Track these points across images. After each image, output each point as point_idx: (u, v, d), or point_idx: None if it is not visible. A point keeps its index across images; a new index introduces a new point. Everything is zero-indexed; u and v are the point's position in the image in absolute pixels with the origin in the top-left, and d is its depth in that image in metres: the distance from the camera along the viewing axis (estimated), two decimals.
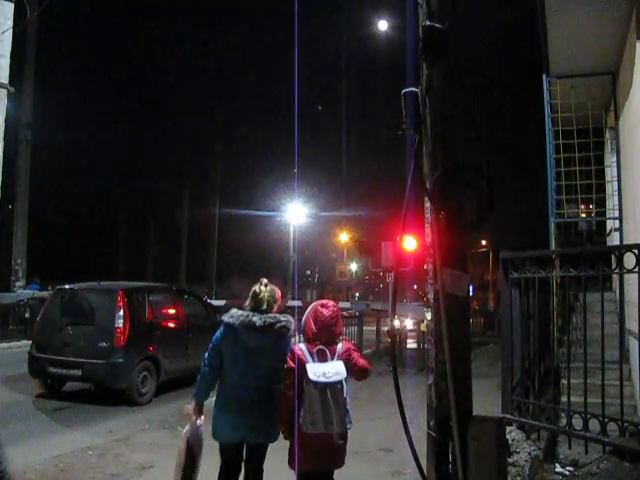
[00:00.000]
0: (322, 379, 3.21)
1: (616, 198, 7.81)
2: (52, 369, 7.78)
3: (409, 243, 12.28)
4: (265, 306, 3.52)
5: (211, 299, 17.43)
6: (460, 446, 2.96)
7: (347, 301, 19.48)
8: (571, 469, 4.12)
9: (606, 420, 3.75)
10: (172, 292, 9.66)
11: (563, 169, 7.66)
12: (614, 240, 8.03)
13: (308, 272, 36.33)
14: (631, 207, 6.75)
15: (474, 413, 3.10)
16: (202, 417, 3.54)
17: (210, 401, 3.65)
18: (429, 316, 3.29)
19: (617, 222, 7.86)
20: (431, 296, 3.21)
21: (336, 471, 3.76)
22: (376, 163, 38.08)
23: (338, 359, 3.34)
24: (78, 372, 7.64)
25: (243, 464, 3.58)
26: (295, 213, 27.90)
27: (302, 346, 3.38)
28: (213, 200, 29.97)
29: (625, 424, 3.72)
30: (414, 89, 3.18)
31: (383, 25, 22.90)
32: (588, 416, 3.82)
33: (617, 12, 6.16)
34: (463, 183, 3.13)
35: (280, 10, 22.72)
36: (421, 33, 3.15)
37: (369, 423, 6.62)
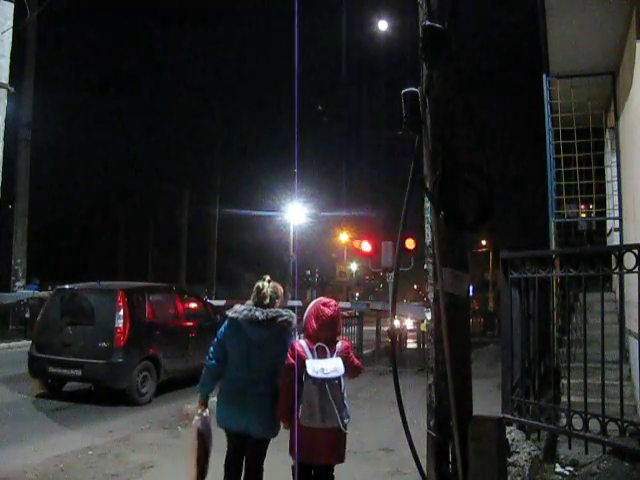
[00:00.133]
0: (320, 375, 3.30)
1: (616, 198, 7.80)
2: (52, 369, 7.78)
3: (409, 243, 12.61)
4: (268, 301, 3.64)
5: (211, 299, 17.41)
6: (460, 446, 2.96)
7: (347, 301, 19.47)
8: (571, 469, 4.12)
9: (606, 420, 3.75)
10: (172, 292, 9.66)
11: (563, 169, 7.66)
12: (614, 240, 8.03)
13: (308, 272, 36.36)
14: (631, 207, 6.75)
15: (474, 413, 3.10)
16: (207, 410, 3.67)
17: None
18: (429, 316, 3.29)
19: (617, 222, 7.86)
20: (431, 296, 3.21)
21: (337, 471, 3.78)
22: (376, 163, 38.10)
23: (337, 356, 3.43)
24: (78, 372, 7.65)
25: (244, 458, 3.65)
26: (295, 213, 27.90)
27: (302, 343, 3.46)
28: (213, 200, 29.96)
29: (625, 424, 3.72)
30: (414, 89, 3.18)
31: (383, 25, 22.87)
32: (588, 416, 3.82)
33: (617, 12, 6.16)
34: (463, 183, 3.13)
35: (280, 10, 22.72)
36: (421, 33, 3.15)
37: (369, 423, 6.62)
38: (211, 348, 3.67)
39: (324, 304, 3.56)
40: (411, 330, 16.07)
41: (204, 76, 27.45)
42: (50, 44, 20.94)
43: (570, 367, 4.28)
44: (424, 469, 3.16)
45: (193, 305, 9.91)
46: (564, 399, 4.50)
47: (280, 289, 3.77)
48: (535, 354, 4.97)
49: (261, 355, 3.54)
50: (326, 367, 3.34)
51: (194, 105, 27.21)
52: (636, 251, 3.58)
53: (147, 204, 30.59)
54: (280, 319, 3.58)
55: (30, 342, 8.87)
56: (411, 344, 15.17)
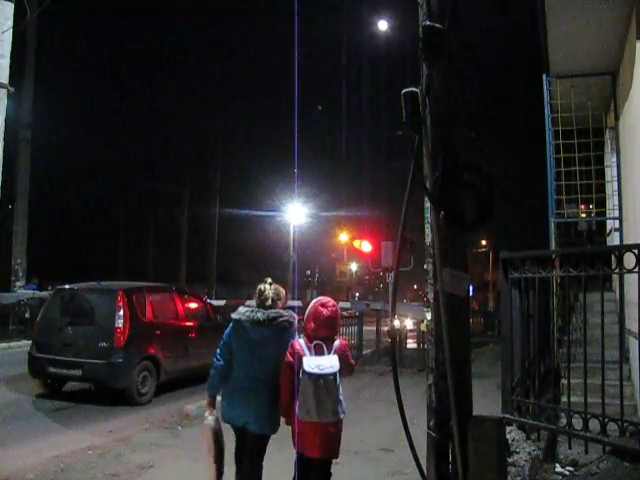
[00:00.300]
0: (316, 371, 3.44)
1: (616, 198, 7.81)
2: (52, 369, 7.79)
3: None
4: (269, 302, 3.79)
5: (211, 299, 17.42)
6: (460, 446, 2.96)
7: (347, 301, 19.46)
8: (571, 469, 4.12)
9: (606, 420, 3.75)
10: (172, 292, 9.66)
11: (563, 169, 7.66)
12: (614, 240, 8.03)
13: (308, 272, 36.34)
14: (631, 207, 6.75)
15: (474, 413, 3.10)
16: (215, 411, 3.81)
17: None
18: (429, 316, 3.29)
19: (617, 222, 7.86)
20: (431, 296, 3.21)
21: (337, 471, 3.81)
22: (376, 163, 38.09)
23: (334, 354, 3.57)
24: (78, 372, 7.65)
25: (244, 455, 3.79)
26: (295, 213, 27.91)
27: (301, 341, 3.62)
28: (213, 200, 29.96)
29: (625, 424, 3.72)
30: (414, 89, 3.18)
31: (383, 25, 22.87)
32: (588, 416, 3.82)
33: (617, 12, 6.16)
34: (463, 183, 3.13)
35: (280, 10, 22.73)
36: (421, 33, 3.15)
37: (369, 423, 6.62)
38: (218, 350, 3.82)
39: (322, 304, 3.69)
40: (411, 330, 16.05)
41: (204, 76, 27.45)
42: (50, 44, 20.93)
43: (570, 367, 4.28)
44: (424, 469, 3.16)
45: (193, 305, 9.91)
46: (564, 399, 4.49)
47: (281, 291, 3.91)
48: (535, 354, 4.97)
49: (264, 354, 3.69)
50: (322, 364, 3.47)
51: (194, 105, 27.21)
52: (636, 251, 3.58)
53: (147, 204, 30.59)
54: (281, 319, 3.73)
55: (30, 342, 8.87)
56: (411, 344, 15.15)
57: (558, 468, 4.18)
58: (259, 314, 3.72)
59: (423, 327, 11.95)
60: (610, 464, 3.83)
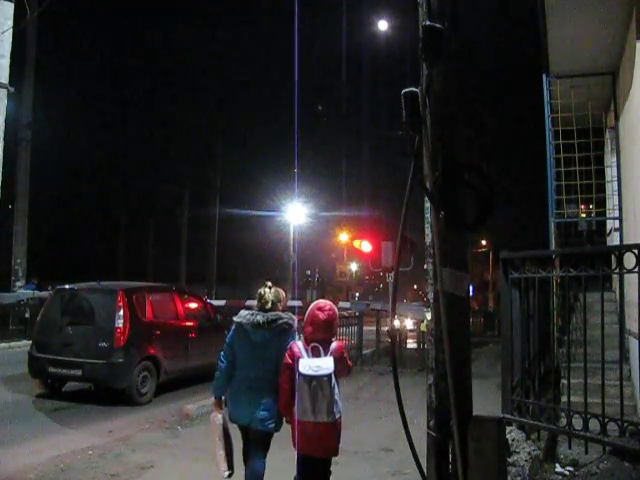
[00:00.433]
0: (310, 372, 3.54)
1: (616, 198, 7.80)
2: (52, 369, 7.79)
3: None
4: (269, 305, 3.93)
5: (211, 299, 17.42)
6: (460, 446, 2.96)
7: (347, 301, 19.45)
8: (571, 469, 4.12)
9: (606, 420, 3.75)
10: (172, 292, 9.67)
11: (563, 169, 7.66)
12: (614, 240, 8.03)
13: (308, 272, 36.35)
14: (631, 207, 6.75)
15: (474, 413, 3.10)
16: (222, 411, 3.95)
17: None
18: (429, 316, 3.29)
19: (617, 222, 7.86)
20: (431, 296, 3.21)
21: (337, 471, 3.82)
22: (376, 163, 38.09)
23: (330, 356, 3.66)
24: (78, 372, 7.65)
25: (250, 451, 3.92)
26: (295, 213, 27.89)
27: (299, 344, 3.74)
28: (213, 200, 29.97)
29: (625, 424, 3.72)
30: (414, 89, 3.18)
31: (383, 25, 22.88)
32: (588, 416, 3.82)
33: (617, 12, 6.15)
34: (463, 183, 3.13)
35: (280, 10, 22.72)
36: (421, 33, 3.14)
37: (369, 423, 6.63)
38: (222, 352, 3.97)
39: (319, 308, 3.80)
40: (411, 330, 16.04)
41: (204, 76, 27.45)
42: (50, 44, 20.92)
43: (570, 367, 4.28)
44: (424, 469, 3.15)
45: (193, 305, 9.91)
46: (564, 399, 4.50)
47: (281, 293, 4.05)
48: (535, 354, 4.97)
49: (264, 355, 3.82)
50: (317, 365, 3.57)
51: (194, 105, 27.21)
52: (636, 251, 3.58)
53: (147, 204, 30.59)
54: (280, 321, 3.86)
55: (30, 342, 8.87)
56: (411, 344, 15.15)
57: (558, 468, 4.18)
58: (259, 317, 3.86)
59: (423, 327, 11.93)
60: (610, 464, 3.83)
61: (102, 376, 7.65)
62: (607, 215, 8.46)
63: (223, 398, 3.99)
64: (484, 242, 40.88)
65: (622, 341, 4.13)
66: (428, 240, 3.23)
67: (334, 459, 3.83)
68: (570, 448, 4.20)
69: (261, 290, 3.99)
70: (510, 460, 3.99)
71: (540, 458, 4.20)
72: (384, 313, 13.22)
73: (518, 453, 4.13)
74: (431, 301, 3.21)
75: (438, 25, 3.08)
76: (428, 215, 3.21)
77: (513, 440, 4.24)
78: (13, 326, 15.43)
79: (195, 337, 9.07)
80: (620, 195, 7.70)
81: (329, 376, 3.55)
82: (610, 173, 8.38)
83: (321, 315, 3.75)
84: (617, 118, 7.78)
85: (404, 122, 3.19)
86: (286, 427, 3.81)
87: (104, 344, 7.65)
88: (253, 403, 3.78)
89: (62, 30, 22.23)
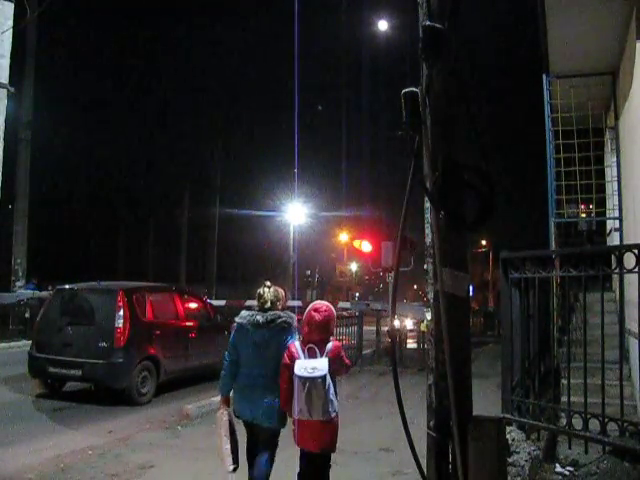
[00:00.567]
0: (305, 373, 3.64)
1: (616, 198, 7.80)
2: (52, 369, 7.78)
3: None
4: (269, 305, 4.03)
5: (211, 299, 17.42)
6: (460, 446, 2.96)
7: (347, 301, 19.46)
8: (571, 469, 4.12)
9: (606, 420, 3.76)
10: (172, 292, 9.66)
11: (563, 169, 7.66)
12: (614, 240, 8.03)
13: (308, 272, 36.35)
14: (631, 207, 6.75)
15: (474, 413, 3.10)
16: (229, 408, 4.07)
17: None
18: (429, 316, 3.29)
19: (617, 222, 7.85)
20: (431, 296, 3.20)
21: (337, 471, 3.86)
22: (376, 163, 38.11)
23: (326, 356, 3.75)
24: (78, 372, 7.64)
25: (257, 449, 4.02)
26: (295, 213, 27.89)
27: (297, 344, 3.85)
28: (213, 200, 29.96)
29: (625, 424, 3.72)
30: (414, 89, 3.18)
31: (383, 25, 22.87)
32: (588, 416, 3.82)
33: (617, 12, 6.15)
34: (463, 183, 3.13)
35: (280, 10, 22.72)
36: (421, 33, 3.14)
37: (369, 423, 6.63)
38: (226, 351, 4.09)
39: (315, 309, 3.89)
40: (411, 330, 16.04)
41: (204, 76, 27.44)
42: (50, 44, 20.92)
43: (570, 367, 4.28)
44: (424, 469, 3.15)
45: (193, 305, 9.90)
46: (564, 399, 4.49)
47: (280, 292, 4.14)
48: (535, 354, 4.97)
49: (266, 354, 3.92)
50: (312, 366, 3.67)
51: (194, 105, 27.20)
52: (636, 251, 3.58)
53: (147, 204, 30.59)
54: (279, 320, 3.95)
55: (30, 342, 8.87)
56: (411, 344, 15.15)
57: (558, 468, 4.18)
58: (259, 317, 3.97)
59: (423, 327, 11.93)
60: (610, 464, 3.84)
61: (102, 376, 7.65)
62: (607, 215, 8.45)
63: (231, 394, 4.11)
64: (484, 242, 40.90)
65: (622, 341, 4.14)
66: (428, 240, 3.22)
67: (334, 459, 3.86)
68: (570, 448, 4.20)
69: (260, 290, 4.08)
70: (510, 460, 4.00)
71: (540, 458, 4.21)
72: (384, 313, 13.22)
73: (518, 453, 4.13)
74: (431, 301, 3.20)
75: (438, 25, 3.08)
76: (428, 215, 3.20)
77: (513, 440, 4.24)
78: (13, 326, 15.41)
79: (195, 337, 9.07)
80: (620, 195, 7.70)
81: (323, 377, 3.64)
82: (610, 173, 8.38)
83: (317, 316, 3.84)
84: (617, 118, 7.78)
85: (404, 122, 3.19)
86: (290, 425, 3.87)
87: (104, 344, 7.65)
88: (256, 400, 3.89)
89: (62, 30, 22.23)
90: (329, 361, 3.71)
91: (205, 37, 26.19)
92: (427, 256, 3.25)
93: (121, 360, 7.63)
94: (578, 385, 4.06)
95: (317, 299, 4.49)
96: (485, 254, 40.68)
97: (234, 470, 4.00)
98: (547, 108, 7.88)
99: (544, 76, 7.86)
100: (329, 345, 3.81)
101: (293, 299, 15.75)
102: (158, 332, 8.38)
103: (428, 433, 3.16)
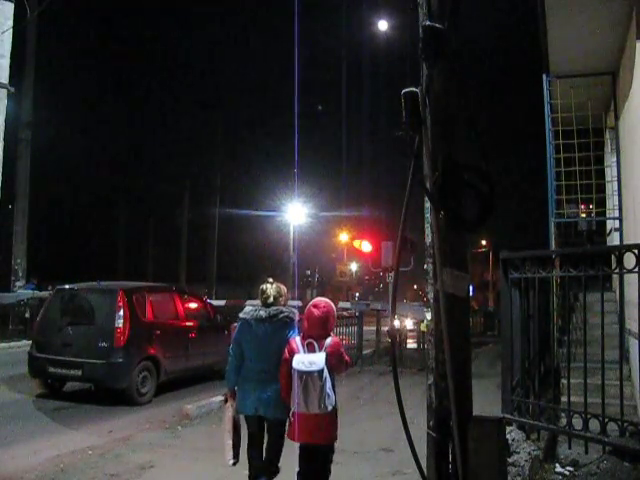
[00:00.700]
0: (302, 368, 3.71)
1: (616, 198, 7.80)
2: (52, 369, 7.78)
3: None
4: (271, 300, 4.15)
5: (211, 299, 17.41)
6: (460, 446, 2.96)
7: (347, 301, 19.45)
8: (571, 469, 4.12)
9: (606, 420, 3.75)
10: (172, 292, 9.66)
11: (563, 169, 7.66)
12: (614, 240, 8.03)
13: (308, 272, 36.34)
14: (631, 207, 6.75)
15: (474, 413, 3.10)
16: (234, 402, 4.18)
17: None
18: (429, 316, 3.29)
19: (617, 222, 7.85)
20: (431, 296, 3.21)
21: (337, 470, 3.86)
22: (376, 163, 38.11)
23: (324, 351, 3.81)
24: (78, 372, 7.64)
25: (265, 437, 4.16)
26: (295, 213, 27.90)
27: (297, 339, 3.94)
28: (213, 200, 29.96)
29: (625, 424, 3.72)
30: (414, 89, 3.18)
31: (383, 25, 22.86)
32: (588, 416, 3.82)
33: (617, 12, 6.15)
34: (463, 183, 3.13)
35: (281, 10, 22.72)
36: (421, 33, 3.14)
37: (369, 423, 6.62)
38: (230, 347, 4.21)
39: (314, 305, 3.99)
40: (411, 330, 16.03)
41: (204, 76, 27.46)
42: (50, 44, 20.91)
43: (570, 367, 4.28)
44: (424, 469, 3.15)
45: (193, 305, 9.90)
46: (564, 399, 4.49)
47: (283, 288, 4.27)
48: (535, 354, 4.97)
49: (268, 347, 4.03)
50: (310, 361, 3.74)
51: (194, 105, 27.20)
52: (636, 251, 3.58)
53: (147, 204, 30.58)
54: (281, 315, 4.07)
55: (30, 342, 8.87)
56: (411, 344, 15.14)
57: (558, 468, 4.18)
58: (262, 312, 4.08)
59: (423, 327, 11.93)
60: (610, 464, 3.83)
61: (102, 376, 7.64)
62: (607, 215, 8.46)
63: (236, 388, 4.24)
64: (484, 242, 40.89)
65: (622, 341, 4.14)
66: (428, 240, 3.23)
67: (335, 459, 3.89)
68: (570, 448, 4.20)
69: (263, 286, 4.20)
70: (510, 460, 4.00)
71: (540, 458, 4.20)
72: (384, 313, 13.22)
73: (518, 453, 4.13)
74: (431, 301, 3.21)
75: (438, 25, 3.08)
76: (428, 215, 3.21)
77: (513, 440, 4.24)
78: (13, 326, 15.40)
79: (195, 337, 9.07)
80: (620, 195, 7.70)
81: (320, 371, 3.70)
82: (610, 173, 8.38)
83: (316, 312, 3.92)
84: (617, 118, 7.78)
85: (404, 122, 3.19)
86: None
87: (104, 344, 7.65)
88: (260, 393, 4.00)
89: (62, 30, 22.23)
90: (327, 356, 3.77)
91: (206, 37, 26.22)
92: (427, 256, 3.25)
93: (121, 360, 7.63)
94: (578, 385, 4.06)
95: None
96: (485, 254, 40.67)
97: (234, 464, 4.14)
98: (547, 108, 7.88)
99: (544, 76, 7.86)
100: (328, 340, 3.88)
101: (293, 299, 15.72)
102: (158, 332, 8.37)
103: (428, 433, 3.16)
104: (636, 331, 4.80)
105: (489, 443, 2.95)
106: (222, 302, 15.62)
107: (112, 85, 26.91)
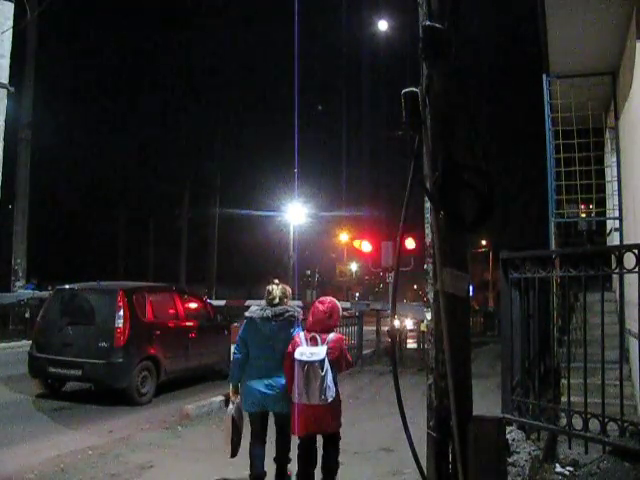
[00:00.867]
0: (304, 358, 3.88)
1: (616, 198, 7.81)
2: (52, 369, 7.78)
3: (409, 243, 12.56)
4: (277, 301, 4.37)
5: (211, 299, 17.41)
6: (460, 446, 2.96)
7: (347, 301, 19.46)
8: (571, 469, 4.12)
9: (606, 420, 3.75)
10: (172, 292, 9.66)
11: (563, 169, 7.66)
12: (614, 240, 8.03)
13: (308, 272, 36.37)
14: (631, 207, 6.75)
15: (474, 413, 3.10)
16: (239, 397, 4.39)
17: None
18: (429, 316, 3.29)
19: (617, 222, 7.86)
20: (431, 296, 3.21)
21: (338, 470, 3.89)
22: (376, 163, 38.12)
23: (326, 345, 3.97)
24: (78, 372, 7.64)
25: (275, 431, 4.36)
26: (295, 213, 27.91)
27: (301, 334, 4.13)
28: (213, 200, 29.97)
29: (625, 424, 3.71)
30: (414, 89, 3.18)
31: (383, 25, 22.86)
32: (588, 416, 3.82)
33: (617, 12, 6.15)
34: (463, 183, 3.13)
35: (281, 10, 22.72)
36: (421, 33, 3.14)
37: (369, 423, 6.62)
38: (235, 345, 4.44)
39: (320, 302, 4.23)
40: (411, 330, 16.03)
41: (204, 76, 27.45)
42: (50, 44, 20.92)
43: (570, 367, 4.28)
44: (424, 469, 3.15)
45: (193, 305, 9.90)
46: (564, 399, 4.49)
47: (288, 289, 4.51)
48: (535, 354, 4.96)
49: (274, 345, 4.24)
50: (310, 352, 3.90)
51: (194, 105, 27.20)
52: (636, 251, 3.58)
53: (147, 204, 30.58)
54: (286, 314, 4.30)
55: (30, 342, 8.87)
56: (411, 344, 15.14)
57: (558, 468, 4.18)
58: (268, 311, 4.31)
59: (423, 327, 11.93)
60: (610, 464, 3.83)
61: (102, 376, 7.64)
62: (607, 215, 8.46)
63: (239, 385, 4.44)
64: (484, 242, 40.89)
65: (622, 341, 4.13)
66: (428, 240, 3.23)
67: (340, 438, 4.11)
68: (570, 448, 4.20)
69: (269, 287, 4.43)
70: (510, 460, 3.99)
71: (540, 458, 4.20)
72: (384, 313, 13.22)
73: (518, 453, 4.13)
74: (431, 301, 3.21)
75: (438, 25, 3.08)
76: (428, 215, 3.21)
77: (513, 440, 4.24)
78: (13, 326, 15.41)
79: (195, 337, 9.07)
80: (620, 195, 7.70)
81: (321, 362, 3.85)
82: (610, 173, 8.38)
83: (321, 307, 4.13)
84: (617, 118, 7.78)
85: (404, 122, 3.19)
86: None
87: (104, 344, 7.65)
88: (265, 388, 4.20)
89: (62, 30, 22.23)
90: (328, 348, 3.92)
91: (205, 37, 26.18)
92: (427, 256, 3.25)
93: (121, 360, 7.63)
94: (578, 385, 4.06)
95: (317, 299, 4.68)
96: (485, 254, 40.66)
97: (231, 457, 4.41)
98: (547, 108, 7.88)
99: (544, 76, 7.86)
100: (331, 335, 4.06)
101: (293, 299, 15.72)
102: (158, 332, 8.37)
103: (428, 433, 3.16)
104: (636, 331, 4.80)
105: (489, 443, 2.95)
106: (222, 302, 15.63)
107: (112, 85, 26.90)
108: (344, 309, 13.84)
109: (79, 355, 7.64)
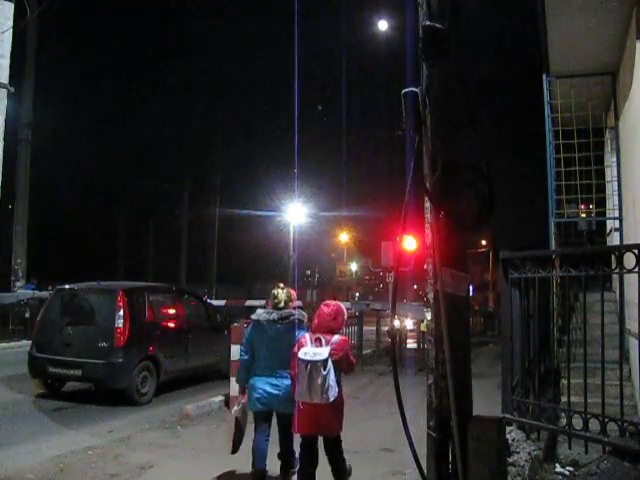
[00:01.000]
0: (307, 357, 3.94)
1: (616, 198, 7.80)
2: (52, 369, 7.77)
3: (409, 243, 12.29)
4: (282, 304, 4.56)
5: (211, 299, 17.40)
6: (460, 446, 2.96)
7: (347, 301, 19.45)
8: (571, 469, 4.12)
9: (606, 420, 3.75)
10: (172, 292, 9.66)
11: (563, 169, 7.66)
12: (614, 240, 8.03)
13: (308, 272, 36.37)
14: (631, 207, 6.75)
15: (474, 413, 3.10)
16: (245, 397, 4.52)
17: None
18: (429, 316, 3.29)
19: (617, 222, 7.85)
20: (431, 296, 3.20)
21: None
22: (376, 163, 38.11)
23: (329, 345, 4.03)
24: (78, 372, 7.64)
25: (278, 430, 4.48)
26: (295, 213, 27.92)
27: (307, 336, 4.19)
28: (213, 200, 29.97)
29: (625, 424, 3.71)
30: (414, 89, 3.18)
31: (383, 25, 22.85)
32: (588, 416, 3.82)
33: (617, 12, 6.15)
34: (463, 183, 3.13)
35: (281, 10, 22.72)
36: (421, 33, 3.14)
37: (369, 423, 6.63)
38: (242, 346, 4.64)
39: (325, 305, 4.31)
40: (411, 330, 16.02)
41: (204, 76, 27.46)
42: (50, 44, 20.92)
43: (570, 367, 4.28)
44: (424, 469, 3.15)
45: (193, 305, 9.90)
46: (564, 399, 4.49)
47: (293, 293, 4.70)
48: (535, 354, 4.97)
49: (279, 347, 4.38)
50: (314, 352, 3.96)
51: (194, 105, 27.21)
52: (636, 251, 3.58)
53: (147, 204, 30.59)
54: (292, 317, 4.46)
55: (30, 342, 8.86)
56: (411, 344, 15.13)
57: (558, 468, 4.18)
58: (273, 314, 4.48)
59: (423, 327, 11.91)
60: (610, 464, 3.83)
61: (102, 376, 7.64)
62: (607, 215, 8.45)
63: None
64: (484, 242, 40.89)
65: (622, 341, 4.13)
66: (428, 240, 3.23)
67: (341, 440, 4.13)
68: (570, 448, 4.20)
69: (275, 291, 4.61)
70: (510, 460, 3.99)
71: (540, 458, 4.20)
72: (384, 313, 13.21)
73: (518, 453, 4.13)
74: (431, 301, 3.21)
75: (438, 25, 3.08)
76: (428, 215, 3.21)
77: (513, 440, 4.23)
78: (13, 326, 15.39)
79: (195, 337, 9.06)
80: (620, 195, 7.70)
81: (324, 361, 3.89)
82: (610, 173, 8.38)
83: (326, 309, 4.22)
84: (617, 118, 7.78)
85: (404, 122, 3.19)
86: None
87: (104, 344, 7.64)
88: (271, 390, 4.34)
89: (62, 30, 22.23)
90: (332, 349, 3.97)
91: (205, 37, 26.20)
92: (427, 256, 3.25)
93: (121, 360, 7.62)
94: (578, 385, 4.06)
95: (317, 299, 4.75)
96: (485, 254, 40.66)
97: (232, 453, 4.55)
98: (547, 108, 7.88)
99: (544, 76, 7.86)
100: (336, 337, 4.12)
101: None
102: (158, 332, 8.37)
103: (428, 433, 3.16)
104: (636, 331, 4.80)
105: (489, 443, 2.95)
106: (222, 302, 15.60)
107: (112, 85, 26.91)
108: None
109: (79, 355, 7.63)
